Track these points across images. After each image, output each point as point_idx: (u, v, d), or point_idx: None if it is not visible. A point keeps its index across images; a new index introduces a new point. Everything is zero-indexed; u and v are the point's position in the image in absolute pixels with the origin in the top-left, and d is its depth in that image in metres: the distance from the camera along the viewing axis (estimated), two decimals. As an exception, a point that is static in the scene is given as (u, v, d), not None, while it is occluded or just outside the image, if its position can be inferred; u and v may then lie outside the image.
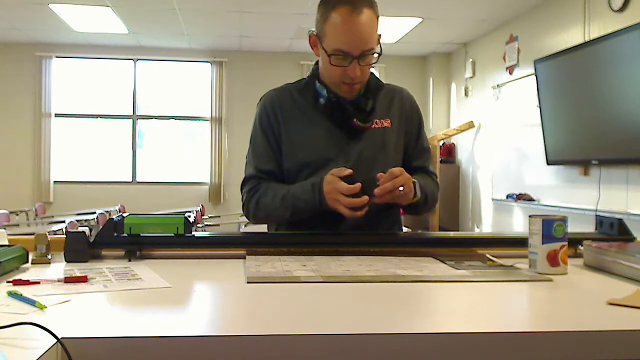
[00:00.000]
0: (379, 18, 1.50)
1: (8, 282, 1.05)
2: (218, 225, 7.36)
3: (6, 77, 7.78)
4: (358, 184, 1.39)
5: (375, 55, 1.49)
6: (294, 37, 7.20)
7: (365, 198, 1.39)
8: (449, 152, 7.70)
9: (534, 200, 5.75)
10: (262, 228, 1.75)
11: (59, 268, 1.21)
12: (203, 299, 1.05)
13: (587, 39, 4.81)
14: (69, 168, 8.01)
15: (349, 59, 1.46)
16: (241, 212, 1.68)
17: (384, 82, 1.67)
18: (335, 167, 1.47)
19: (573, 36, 5.06)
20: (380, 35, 1.51)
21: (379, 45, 1.50)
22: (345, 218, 1.45)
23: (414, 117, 1.67)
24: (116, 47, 7.82)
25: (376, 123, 1.59)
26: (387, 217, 1.63)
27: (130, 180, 8.11)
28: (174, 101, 8.24)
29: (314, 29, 1.54)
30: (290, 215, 1.52)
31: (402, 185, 1.41)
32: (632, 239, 1.45)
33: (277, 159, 1.60)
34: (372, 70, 1.58)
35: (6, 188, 7.70)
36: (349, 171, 1.42)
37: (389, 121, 1.61)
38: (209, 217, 7.39)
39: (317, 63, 1.62)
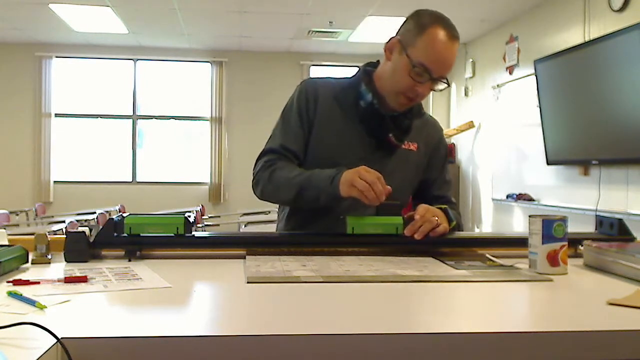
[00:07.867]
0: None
1: (8, 282, 1.05)
2: (218, 225, 7.35)
3: (6, 77, 7.78)
4: (388, 188, 1.38)
5: (445, 85, 1.52)
6: (294, 37, 7.20)
7: (389, 188, 1.38)
8: (449, 152, 7.69)
9: (534, 200, 5.75)
10: (263, 228, 1.74)
11: (59, 268, 1.21)
12: (203, 299, 1.05)
13: (587, 39, 4.81)
14: (69, 168, 8.01)
15: (426, 76, 1.48)
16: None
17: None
18: None
19: (573, 36, 5.06)
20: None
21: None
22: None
23: (441, 149, 1.72)
24: (116, 47, 7.82)
25: (405, 144, 1.61)
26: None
27: (130, 180, 8.12)
28: (174, 101, 8.24)
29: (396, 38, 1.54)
30: (295, 195, 1.48)
31: (435, 217, 1.40)
32: (632, 239, 1.45)
33: (304, 143, 1.59)
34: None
35: (6, 188, 7.71)
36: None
37: (416, 145, 1.64)
38: (209, 217, 7.38)
39: (367, 66, 1.62)
